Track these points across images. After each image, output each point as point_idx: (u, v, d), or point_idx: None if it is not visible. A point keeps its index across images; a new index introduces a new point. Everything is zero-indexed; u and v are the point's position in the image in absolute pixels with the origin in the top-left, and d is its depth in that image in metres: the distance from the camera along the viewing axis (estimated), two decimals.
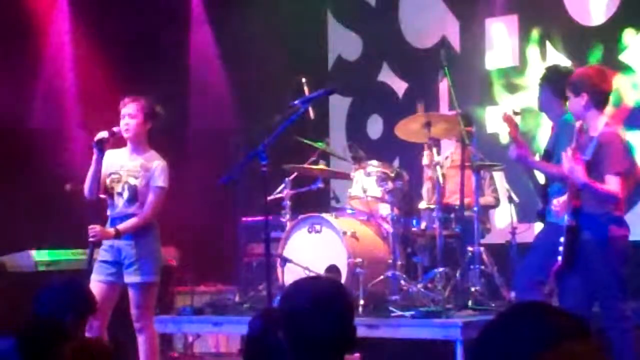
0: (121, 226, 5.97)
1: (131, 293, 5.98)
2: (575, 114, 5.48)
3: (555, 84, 5.91)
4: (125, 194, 6.03)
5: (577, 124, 5.27)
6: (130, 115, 6.03)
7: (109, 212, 6.10)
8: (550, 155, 5.78)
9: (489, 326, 1.84)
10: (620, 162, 5.28)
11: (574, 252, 5.30)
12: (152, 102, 6.11)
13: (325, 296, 2.92)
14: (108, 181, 6.07)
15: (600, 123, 5.37)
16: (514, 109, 6.09)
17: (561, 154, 5.43)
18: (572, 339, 1.75)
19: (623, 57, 8.14)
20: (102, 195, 6.13)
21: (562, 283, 5.44)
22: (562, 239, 5.32)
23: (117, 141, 6.12)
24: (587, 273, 5.29)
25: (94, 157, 5.95)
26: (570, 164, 5.21)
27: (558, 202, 5.48)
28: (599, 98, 5.39)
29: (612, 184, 5.22)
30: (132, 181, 6.03)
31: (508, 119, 5.78)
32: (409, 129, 7.17)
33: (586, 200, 5.29)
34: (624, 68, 8.10)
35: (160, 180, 6.04)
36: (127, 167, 6.07)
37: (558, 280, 5.49)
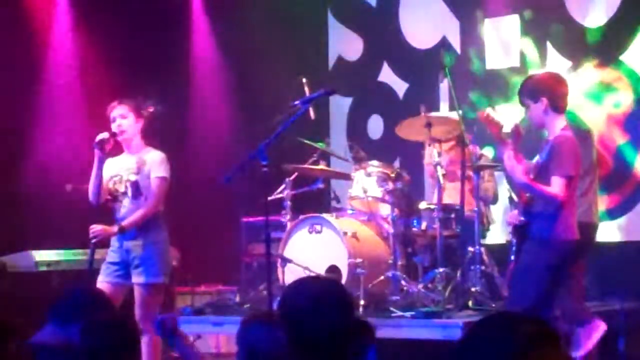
0: (125, 222, 5.97)
1: (137, 293, 5.98)
2: (535, 120, 5.53)
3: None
4: (129, 191, 6.05)
5: (512, 125, 5.30)
6: (121, 115, 6.06)
7: (116, 215, 6.11)
8: None
9: (465, 336, 1.91)
10: (568, 165, 5.31)
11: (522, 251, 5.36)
12: (141, 100, 6.13)
13: (324, 296, 2.93)
14: (111, 184, 6.09)
15: (557, 127, 5.42)
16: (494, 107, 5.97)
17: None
18: (543, 346, 1.79)
19: (624, 58, 8.13)
20: (108, 197, 6.14)
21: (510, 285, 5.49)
22: (513, 240, 5.39)
23: (117, 145, 6.13)
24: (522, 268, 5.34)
25: (96, 158, 5.97)
26: (511, 163, 5.26)
27: (511, 215, 5.54)
28: (557, 101, 5.45)
29: (555, 185, 5.26)
30: (133, 177, 6.05)
31: (486, 119, 5.60)
32: (409, 128, 7.17)
33: (536, 200, 5.36)
34: (625, 68, 8.09)
35: (161, 170, 6.06)
36: (126, 166, 6.10)
37: (511, 281, 5.52)
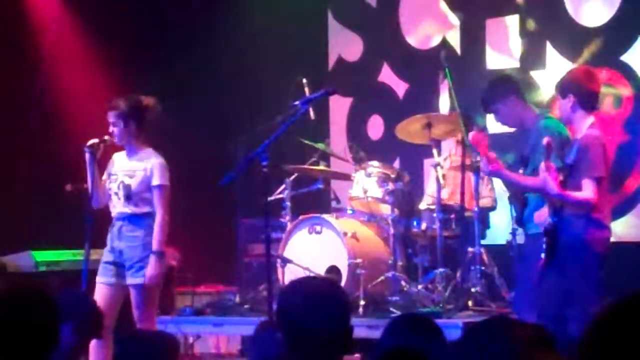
0: (155, 246, 5.94)
1: (133, 294, 5.97)
2: (563, 116, 5.48)
3: (513, 87, 5.93)
4: (121, 193, 6.03)
5: (545, 140, 5.21)
6: (112, 123, 6.03)
7: (112, 213, 6.12)
8: (527, 161, 5.76)
9: (463, 339, 1.94)
10: (598, 166, 5.25)
11: (553, 254, 5.29)
12: (133, 101, 6.04)
13: (318, 296, 2.92)
14: (108, 182, 6.10)
15: (585, 125, 5.34)
16: (478, 126, 5.89)
17: (537, 164, 5.46)
18: (537, 349, 1.81)
19: (624, 58, 8.12)
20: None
21: (539, 284, 5.43)
22: (543, 240, 5.33)
23: (111, 146, 6.12)
24: (562, 275, 5.28)
25: (87, 163, 5.96)
26: (543, 175, 5.20)
27: (539, 215, 5.47)
28: (586, 99, 5.36)
29: (587, 188, 5.21)
30: (127, 180, 6.03)
31: (477, 141, 5.59)
32: (409, 130, 7.18)
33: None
34: (625, 69, 8.09)
35: (160, 178, 6.02)
36: (124, 168, 6.08)
37: (538, 281, 5.47)
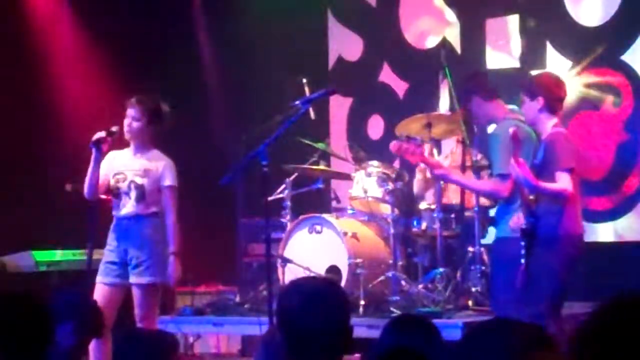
0: (174, 247, 5.94)
1: (136, 293, 5.97)
2: (529, 117, 5.64)
3: (475, 88, 5.98)
4: (133, 194, 6.01)
5: (510, 130, 5.24)
6: (134, 117, 6.00)
7: (114, 212, 6.09)
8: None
9: (463, 340, 1.96)
10: (567, 158, 5.39)
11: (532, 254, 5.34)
12: (158, 102, 6.08)
13: (317, 296, 2.91)
14: (113, 181, 6.06)
15: (549, 125, 5.51)
16: (403, 133, 6.02)
17: (494, 167, 5.54)
18: (538, 349, 1.82)
19: (624, 58, 8.13)
20: (102, 196, 6.12)
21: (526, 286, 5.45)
22: (522, 243, 5.36)
23: (117, 141, 6.10)
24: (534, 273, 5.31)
25: (92, 157, 5.93)
26: (514, 172, 5.25)
27: (518, 218, 5.50)
28: (554, 103, 5.55)
29: (562, 180, 5.33)
30: (139, 180, 6.01)
31: (399, 149, 5.69)
32: (409, 129, 7.17)
33: (539, 199, 5.38)
34: (625, 69, 8.09)
35: (170, 179, 6.05)
36: (132, 167, 6.06)
37: (523, 284, 5.48)
